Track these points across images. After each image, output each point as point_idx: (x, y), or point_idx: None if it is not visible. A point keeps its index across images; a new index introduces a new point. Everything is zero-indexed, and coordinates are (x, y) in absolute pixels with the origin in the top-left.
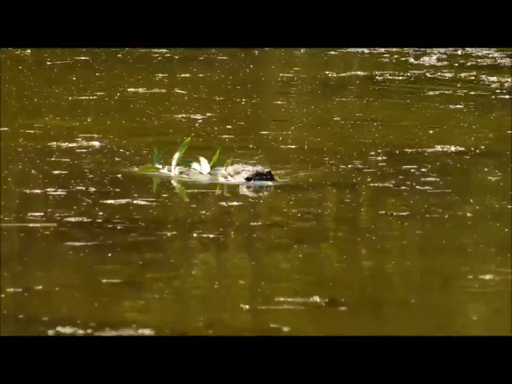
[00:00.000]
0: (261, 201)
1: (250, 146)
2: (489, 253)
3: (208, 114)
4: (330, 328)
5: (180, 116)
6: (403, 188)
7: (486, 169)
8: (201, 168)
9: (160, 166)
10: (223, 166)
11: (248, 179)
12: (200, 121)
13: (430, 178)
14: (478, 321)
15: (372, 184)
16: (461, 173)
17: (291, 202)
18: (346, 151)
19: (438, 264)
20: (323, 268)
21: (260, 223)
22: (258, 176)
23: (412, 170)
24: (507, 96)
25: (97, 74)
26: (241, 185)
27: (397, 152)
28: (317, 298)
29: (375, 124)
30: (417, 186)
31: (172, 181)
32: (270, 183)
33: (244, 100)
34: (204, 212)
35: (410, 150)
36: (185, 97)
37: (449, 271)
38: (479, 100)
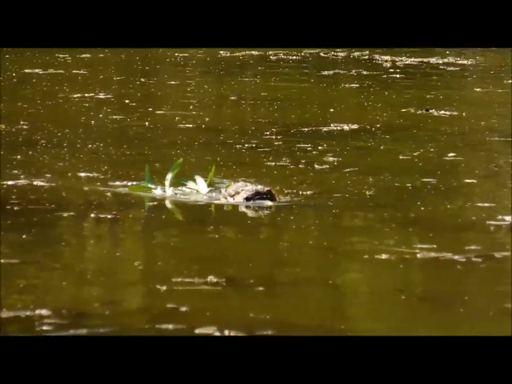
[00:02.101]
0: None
1: (146, 125)
2: (388, 231)
3: (105, 94)
4: (228, 308)
5: (76, 95)
6: (300, 166)
7: (382, 146)
8: (198, 188)
9: (153, 186)
10: (223, 185)
11: (247, 199)
12: (94, 100)
13: (326, 158)
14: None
15: (268, 163)
16: (357, 151)
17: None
18: (242, 130)
19: (337, 243)
20: (220, 247)
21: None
22: (258, 195)
23: (308, 149)
24: (399, 75)
25: None
26: (241, 204)
27: (293, 131)
28: (213, 278)
29: (271, 103)
30: (316, 165)
31: (167, 202)
32: (269, 202)
33: (141, 79)
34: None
35: (306, 129)
36: (84, 78)
37: (347, 248)
38: (372, 78)
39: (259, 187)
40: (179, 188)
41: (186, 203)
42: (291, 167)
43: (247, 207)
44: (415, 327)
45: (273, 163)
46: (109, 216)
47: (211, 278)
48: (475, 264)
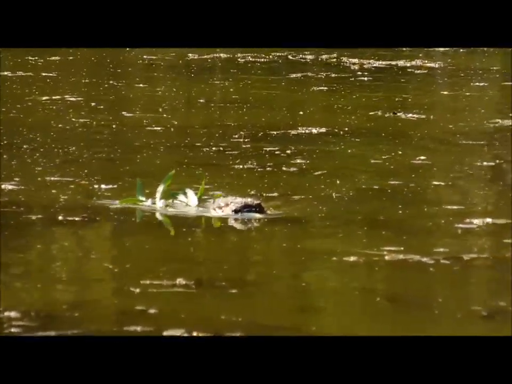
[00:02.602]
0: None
1: (114, 127)
2: (356, 234)
3: (74, 96)
4: (197, 310)
5: (45, 98)
6: (268, 169)
7: (350, 150)
8: (188, 200)
9: (144, 199)
10: (212, 198)
11: (235, 211)
12: (60, 102)
13: (295, 160)
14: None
15: (236, 166)
16: (326, 154)
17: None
18: (210, 133)
19: (306, 245)
20: (190, 250)
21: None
22: (247, 208)
23: (277, 152)
24: (367, 78)
25: None
26: (230, 217)
27: (261, 134)
28: (182, 280)
29: (240, 105)
30: (283, 168)
31: (157, 214)
32: (258, 215)
33: (111, 82)
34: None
35: (274, 132)
36: (53, 80)
37: (316, 250)
38: (341, 81)
39: (249, 200)
40: (170, 201)
41: (173, 215)
42: (259, 170)
43: (235, 219)
44: (383, 327)
45: (241, 166)
46: (78, 219)
47: (180, 280)
48: (443, 266)
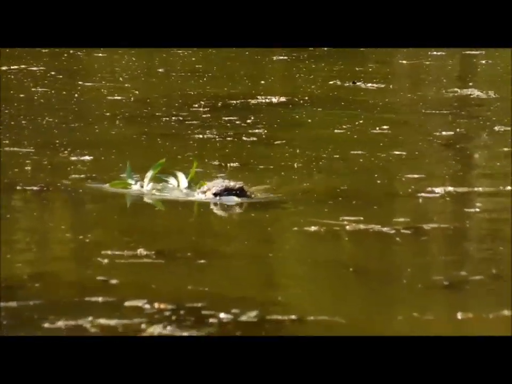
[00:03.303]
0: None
1: (76, 96)
2: (317, 204)
3: (35, 66)
4: (158, 280)
5: (4, 68)
6: (228, 139)
7: (309, 120)
8: (179, 183)
9: (133, 182)
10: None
11: (215, 194)
12: (24, 72)
13: (254, 130)
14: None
15: (196, 136)
16: (286, 123)
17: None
18: (170, 103)
19: (267, 216)
20: (151, 221)
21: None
22: (227, 191)
23: (237, 122)
24: (326, 48)
25: None
26: (211, 201)
27: (221, 104)
28: (143, 251)
29: (201, 75)
30: (243, 137)
31: (145, 198)
32: (237, 198)
33: (71, 51)
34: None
35: (234, 102)
36: (12, 49)
37: (277, 219)
38: (301, 50)
39: (231, 183)
40: (160, 184)
41: (162, 199)
42: (219, 139)
43: (214, 203)
44: (345, 297)
45: (201, 135)
46: (36, 189)
47: (141, 251)
48: (404, 236)
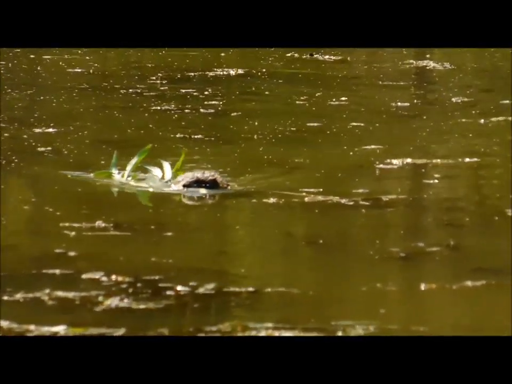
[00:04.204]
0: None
1: (38, 69)
2: (275, 175)
3: None
4: (116, 253)
5: None
6: (186, 111)
7: (267, 92)
8: (164, 174)
9: (116, 172)
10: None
11: (184, 186)
12: None
13: (211, 102)
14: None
15: (154, 108)
16: (243, 95)
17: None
18: (129, 75)
19: (232, 202)
20: (109, 194)
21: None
22: (197, 183)
23: (194, 94)
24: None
25: None
26: (180, 192)
27: (179, 76)
28: (101, 223)
29: (158, 48)
30: (201, 109)
31: (118, 188)
32: (204, 191)
33: None
34: None
35: (192, 73)
36: None
37: (235, 191)
38: None
39: (205, 175)
40: (142, 174)
41: (132, 190)
42: (177, 111)
43: (183, 195)
44: (303, 269)
45: (159, 107)
46: None
47: (99, 223)
48: (362, 207)
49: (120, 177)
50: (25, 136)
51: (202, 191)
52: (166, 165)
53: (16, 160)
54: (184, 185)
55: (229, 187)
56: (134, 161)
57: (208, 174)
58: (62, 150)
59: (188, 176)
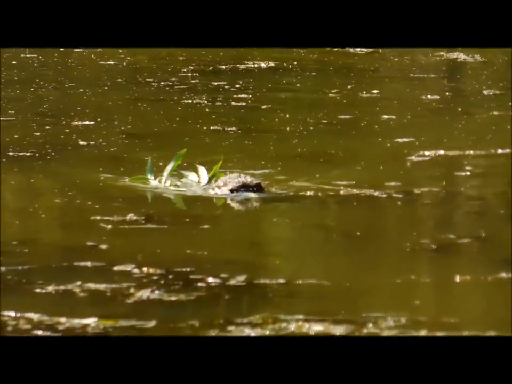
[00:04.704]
0: None
1: (70, 62)
2: (309, 168)
3: None
4: (147, 245)
5: None
6: (217, 103)
7: (298, 84)
8: (200, 178)
9: (152, 177)
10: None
11: (231, 191)
12: None
13: (243, 95)
14: None
15: (185, 101)
16: (275, 87)
17: None
18: (160, 68)
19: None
20: (141, 189)
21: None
22: (244, 187)
23: (226, 86)
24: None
25: None
26: (226, 197)
27: (210, 69)
28: (133, 216)
29: None
30: (232, 102)
31: (160, 193)
32: (253, 195)
33: None
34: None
35: (224, 66)
36: None
37: (271, 184)
38: None
39: (248, 179)
40: (178, 179)
41: (173, 194)
42: (208, 104)
43: (231, 199)
44: (334, 261)
45: (190, 101)
46: (28, 154)
47: (131, 216)
48: (395, 200)
49: (157, 182)
50: (59, 129)
51: (251, 195)
52: (202, 170)
53: (51, 153)
54: (231, 190)
55: (272, 190)
56: (170, 166)
57: (251, 178)
58: (95, 143)
59: (232, 180)
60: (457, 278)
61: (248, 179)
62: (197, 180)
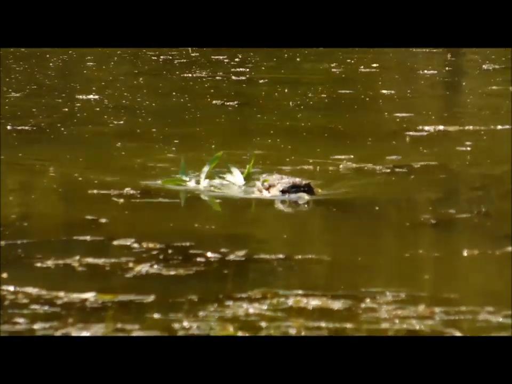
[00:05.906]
0: None
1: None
2: (305, 142)
3: None
4: (145, 219)
5: None
6: (218, 78)
7: (298, 59)
8: (234, 180)
9: (188, 179)
10: (259, 179)
11: (283, 192)
12: None
13: (241, 69)
14: None
15: (184, 75)
16: (273, 62)
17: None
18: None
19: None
20: (136, 161)
21: None
22: (295, 188)
23: (225, 61)
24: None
25: None
26: (277, 199)
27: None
28: (130, 190)
29: None
30: (232, 76)
31: (202, 195)
32: (306, 196)
33: None
34: None
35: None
36: None
37: (267, 158)
38: None
39: (297, 180)
40: (215, 181)
41: (219, 197)
42: (208, 78)
43: (282, 201)
44: (335, 234)
45: (190, 74)
46: (28, 128)
47: (127, 190)
48: (394, 174)
49: (194, 184)
50: (61, 104)
51: (304, 195)
52: (236, 171)
53: (52, 127)
54: (281, 191)
55: (317, 192)
56: (206, 168)
57: (299, 179)
58: (98, 117)
59: (280, 181)
60: (456, 253)
61: (297, 179)
62: (231, 181)
